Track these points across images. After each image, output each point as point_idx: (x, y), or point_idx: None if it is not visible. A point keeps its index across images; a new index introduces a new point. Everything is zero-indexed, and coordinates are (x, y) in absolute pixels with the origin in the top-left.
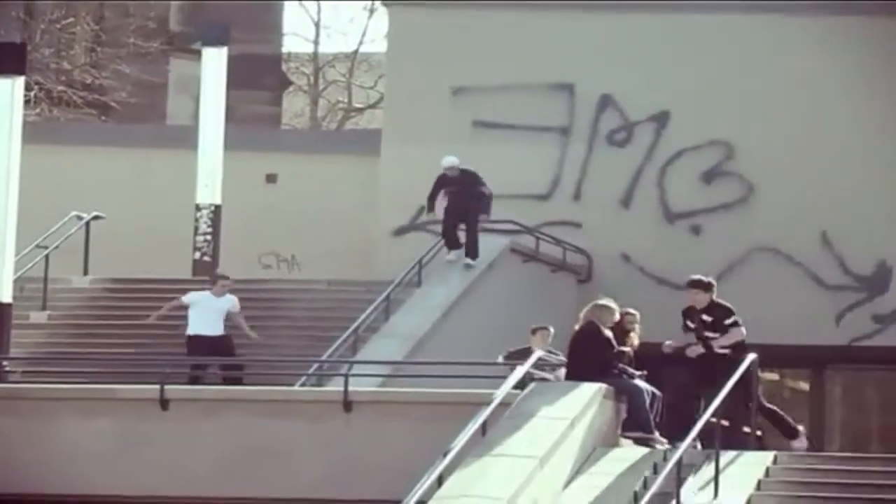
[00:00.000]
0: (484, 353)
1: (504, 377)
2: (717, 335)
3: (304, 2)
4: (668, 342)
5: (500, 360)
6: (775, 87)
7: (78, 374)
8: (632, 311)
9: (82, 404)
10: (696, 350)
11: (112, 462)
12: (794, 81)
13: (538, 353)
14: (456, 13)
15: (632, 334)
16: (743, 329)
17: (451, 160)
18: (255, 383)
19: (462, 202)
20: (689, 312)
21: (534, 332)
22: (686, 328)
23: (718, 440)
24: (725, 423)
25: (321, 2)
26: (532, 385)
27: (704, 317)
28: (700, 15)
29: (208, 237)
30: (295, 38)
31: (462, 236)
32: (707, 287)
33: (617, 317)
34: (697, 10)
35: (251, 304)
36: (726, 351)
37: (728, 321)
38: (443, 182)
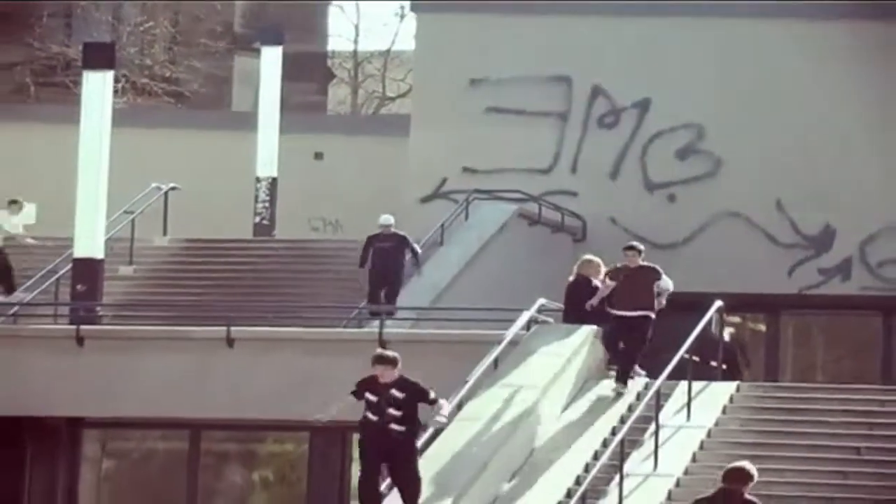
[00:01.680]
0: (496, 300)
1: (512, 321)
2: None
3: (344, 4)
4: (589, 302)
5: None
6: (738, 79)
7: (158, 318)
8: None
9: (162, 343)
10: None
11: (186, 390)
12: (754, 76)
13: (540, 301)
14: (473, 17)
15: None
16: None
17: (386, 218)
18: (305, 326)
19: (390, 261)
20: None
21: None
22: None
23: (690, 373)
24: (696, 358)
25: (360, 2)
26: (535, 327)
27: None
28: (675, 18)
29: (266, 204)
30: (338, 38)
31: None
32: (639, 251)
33: (603, 270)
34: (673, 14)
35: (302, 259)
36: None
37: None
38: (375, 239)
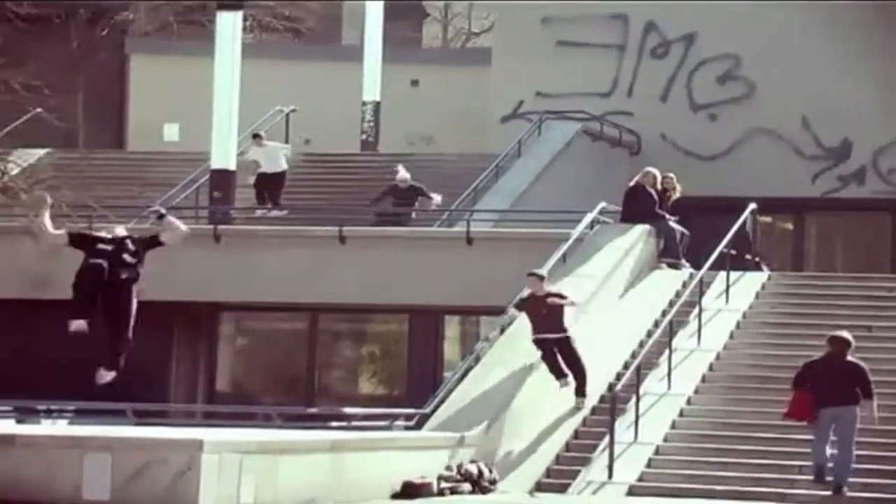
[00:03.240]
0: (564, 203)
1: (578, 221)
2: None
3: None
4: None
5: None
6: (770, 16)
7: (281, 219)
8: (670, 175)
9: (285, 240)
10: None
11: (306, 280)
12: (783, 14)
13: (601, 204)
14: None
15: (670, 192)
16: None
17: (404, 175)
18: (391, 224)
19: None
20: None
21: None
22: None
23: (728, 264)
24: (733, 252)
25: None
26: (597, 227)
27: None
28: None
29: (371, 124)
30: None
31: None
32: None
33: (659, 178)
34: None
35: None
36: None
37: None
38: (392, 191)
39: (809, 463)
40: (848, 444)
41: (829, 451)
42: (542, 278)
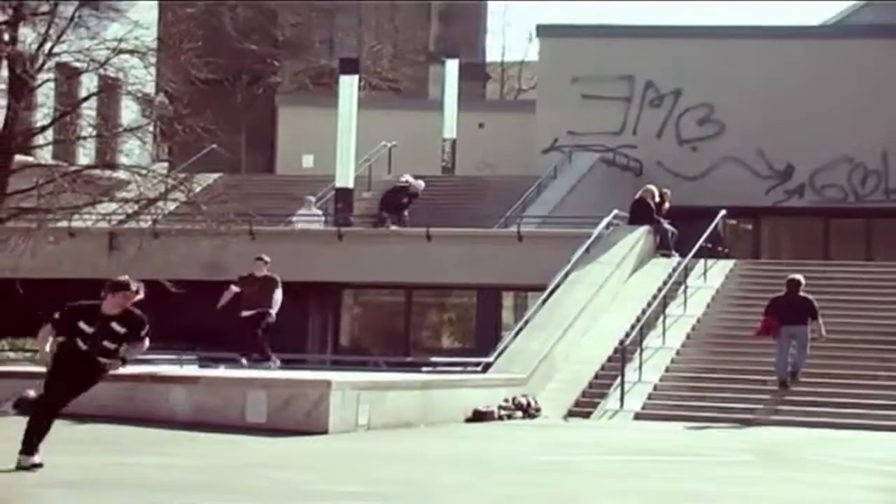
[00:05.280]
0: (587, 210)
1: (598, 223)
2: None
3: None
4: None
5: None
6: (736, 78)
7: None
8: (665, 189)
9: (388, 238)
10: None
11: (404, 266)
12: (745, 78)
13: (615, 211)
14: (574, 40)
15: (664, 202)
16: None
17: (418, 184)
18: (471, 226)
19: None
20: None
21: None
22: None
23: (705, 254)
24: (709, 245)
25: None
26: (612, 228)
27: None
28: (698, 39)
29: (449, 154)
30: (491, 53)
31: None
32: (265, 262)
33: (657, 194)
34: (696, 36)
35: (472, 188)
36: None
37: None
38: (403, 193)
39: (773, 377)
40: (802, 349)
41: (788, 360)
42: (265, 262)
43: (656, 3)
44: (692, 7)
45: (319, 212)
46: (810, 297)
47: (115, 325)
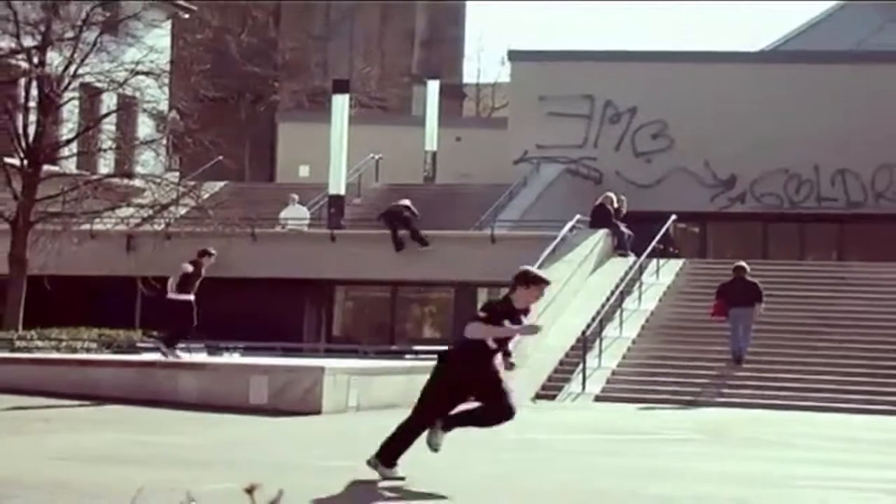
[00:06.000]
0: (553, 215)
1: (562, 227)
2: None
3: (471, 55)
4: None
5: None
6: (685, 98)
7: (373, 226)
8: (622, 196)
9: (377, 240)
10: None
11: (390, 265)
12: (693, 96)
13: (577, 216)
14: (541, 63)
15: (621, 208)
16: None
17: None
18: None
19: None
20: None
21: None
22: None
23: (658, 254)
24: (661, 246)
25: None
26: (574, 230)
27: None
28: (651, 62)
29: (429, 165)
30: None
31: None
32: (210, 254)
33: (616, 200)
34: (651, 60)
35: (450, 195)
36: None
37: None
38: (402, 208)
39: (729, 355)
40: (747, 331)
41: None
42: (210, 255)
43: (613, 27)
44: (649, 34)
45: (304, 208)
46: (756, 281)
47: (523, 320)
